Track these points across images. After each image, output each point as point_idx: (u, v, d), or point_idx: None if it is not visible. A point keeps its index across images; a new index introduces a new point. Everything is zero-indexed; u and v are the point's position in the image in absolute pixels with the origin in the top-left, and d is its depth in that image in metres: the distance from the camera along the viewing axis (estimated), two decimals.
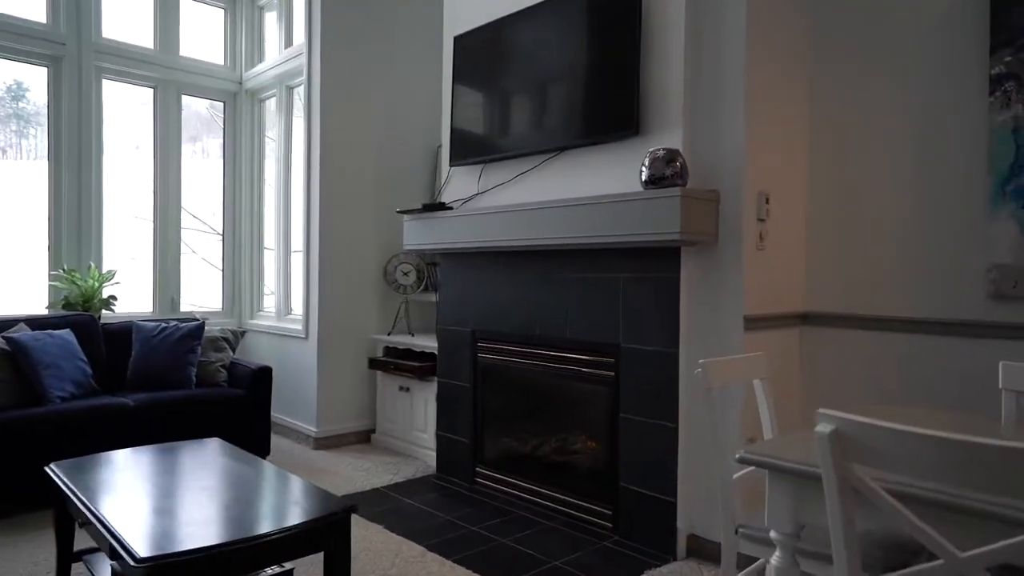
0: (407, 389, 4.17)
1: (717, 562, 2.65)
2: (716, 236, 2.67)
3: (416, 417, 4.12)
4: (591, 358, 3.02)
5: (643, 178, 2.62)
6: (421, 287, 4.46)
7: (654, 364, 2.78)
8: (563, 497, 3.17)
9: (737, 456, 1.50)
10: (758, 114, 2.66)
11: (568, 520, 3.10)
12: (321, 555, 1.92)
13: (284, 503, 1.97)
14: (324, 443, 4.32)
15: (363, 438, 4.49)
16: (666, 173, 2.55)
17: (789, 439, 1.60)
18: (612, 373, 2.93)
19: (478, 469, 3.59)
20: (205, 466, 2.32)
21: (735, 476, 1.92)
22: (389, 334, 4.50)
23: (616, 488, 2.93)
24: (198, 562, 1.64)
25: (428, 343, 4.06)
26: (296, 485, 2.13)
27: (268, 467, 2.32)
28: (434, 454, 3.94)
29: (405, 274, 4.42)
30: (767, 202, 2.69)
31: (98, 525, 1.78)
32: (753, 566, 2.03)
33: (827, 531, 1.68)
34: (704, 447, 2.70)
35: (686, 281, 2.72)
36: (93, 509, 1.85)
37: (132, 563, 1.56)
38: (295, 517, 1.86)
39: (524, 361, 3.33)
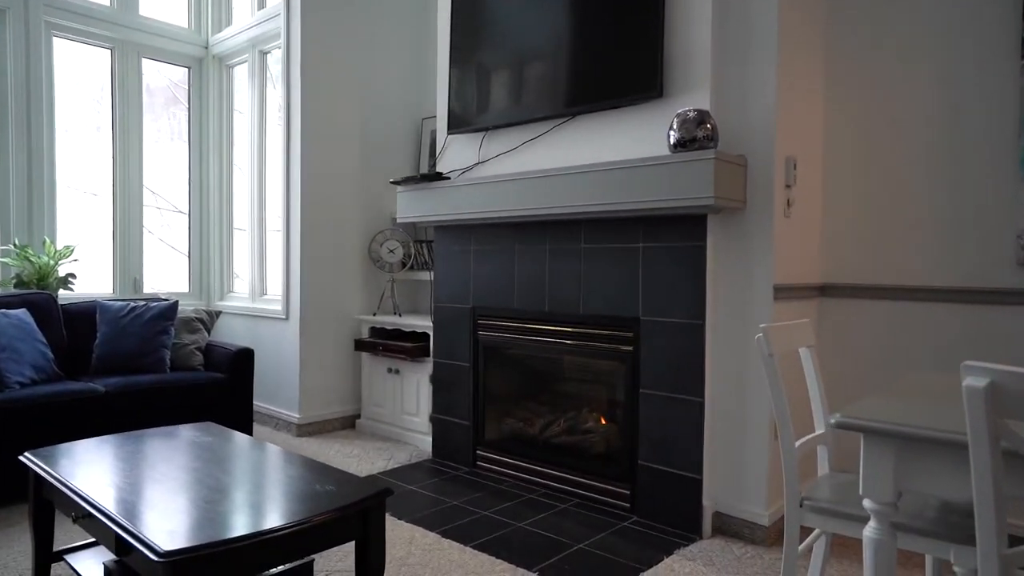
0: (397, 371, 3.96)
1: (744, 539, 2.57)
2: (745, 202, 2.57)
3: (407, 400, 3.92)
4: (607, 332, 2.89)
5: (671, 141, 2.49)
6: (408, 265, 4.25)
7: (678, 337, 2.67)
8: (575, 478, 3.04)
9: (833, 421, 1.39)
10: (787, 74, 2.56)
11: (582, 502, 2.98)
12: (334, 550, 1.75)
13: (310, 489, 1.77)
14: (307, 430, 4.08)
15: (348, 424, 4.27)
16: (697, 135, 2.43)
17: (878, 402, 1.50)
18: (630, 348, 2.81)
19: (479, 452, 3.43)
20: (208, 451, 2.09)
21: (797, 444, 1.82)
22: (375, 314, 4.28)
23: (634, 467, 2.82)
24: (227, 555, 1.44)
25: (418, 322, 3.86)
26: (320, 470, 1.93)
27: (282, 452, 2.11)
28: (428, 438, 3.76)
29: (391, 251, 4.20)
30: (795, 168, 2.61)
31: (102, 518, 1.55)
32: (809, 538, 1.94)
33: (931, 499, 1.59)
34: (731, 421, 2.61)
35: (712, 250, 2.62)
36: (94, 501, 1.62)
37: (155, 558, 1.35)
38: (326, 504, 1.67)
39: (531, 338, 3.18)
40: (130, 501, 1.64)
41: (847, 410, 1.42)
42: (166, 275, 4.74)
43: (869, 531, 1.42)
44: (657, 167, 2.50)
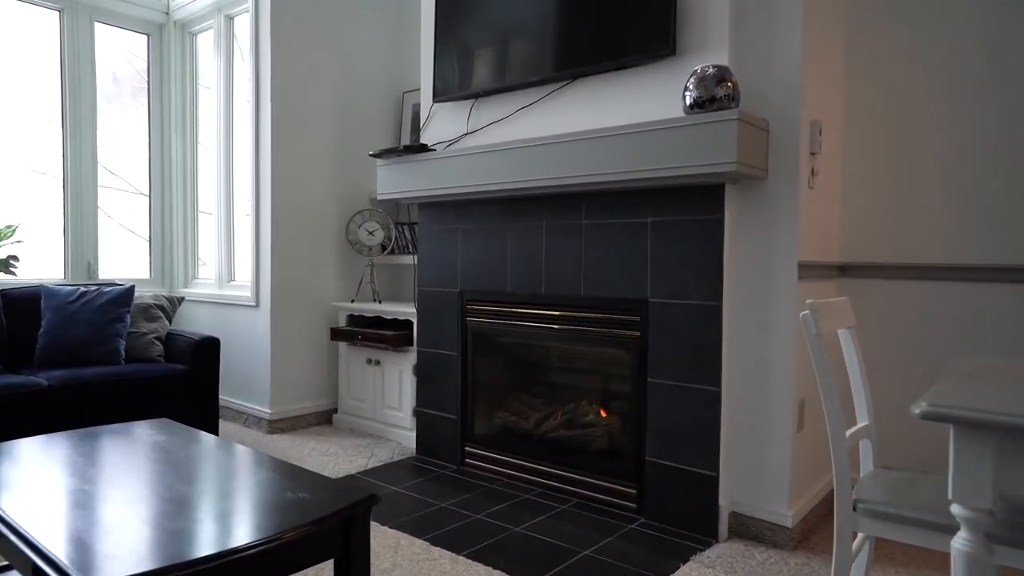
0: (377, 362, 3.67)
1: (765, 542, 2.34)
2: (767, 171, 2.33)
3: (388, 393, 3.63)
4: (611, 317, 2.64)
5: (688, 102, 2.23)
6: (389, 249, 3.95)
7: (691, 320, 2.42)
8: (575, 476, 2.78)
9: (918, 411, 1.14)
10: (812, 30, 2.32)
11: (582, 502, 2.72)
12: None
13: (281, 498, 1.48)
14: (279, 426, 3.76)
15: (323, 419, 3.96)
16: (717, 94, 2.18)
17: (969, 387, 1.26)
18: (638, 333, 2.56)
19: (467, 448, 3.16)
20: (163, 452, 1.78)
21: (848, 433, 1.58)
22: (352, 301, 3.97)
23: (641, 463, 2.57)
24: None
25: (400, 309, 3.57)
26: (293, 473, 1.64)
27: (248, 452, 1.81)
28: (411, 434, 3.48)
29: (370, 234, 3.89)
30: (820, 133, 2.37)
31: (14, 539, 1.25)
32: (855, 543, 1.71)
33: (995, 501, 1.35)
34: (751, 412, 2.37)
35: (731, 224, 2.37)
36: (5, 516, 1.31)
37: None
38: (298, 516, 1.38)
39: (525, 324, 2.91)
40: (59, 517, 1.34)
41: (933, 397, 1.17)
42: (125, 261, 4.37)
43: (960, 544, 1.18)
44: (671, 131, 2.24)
